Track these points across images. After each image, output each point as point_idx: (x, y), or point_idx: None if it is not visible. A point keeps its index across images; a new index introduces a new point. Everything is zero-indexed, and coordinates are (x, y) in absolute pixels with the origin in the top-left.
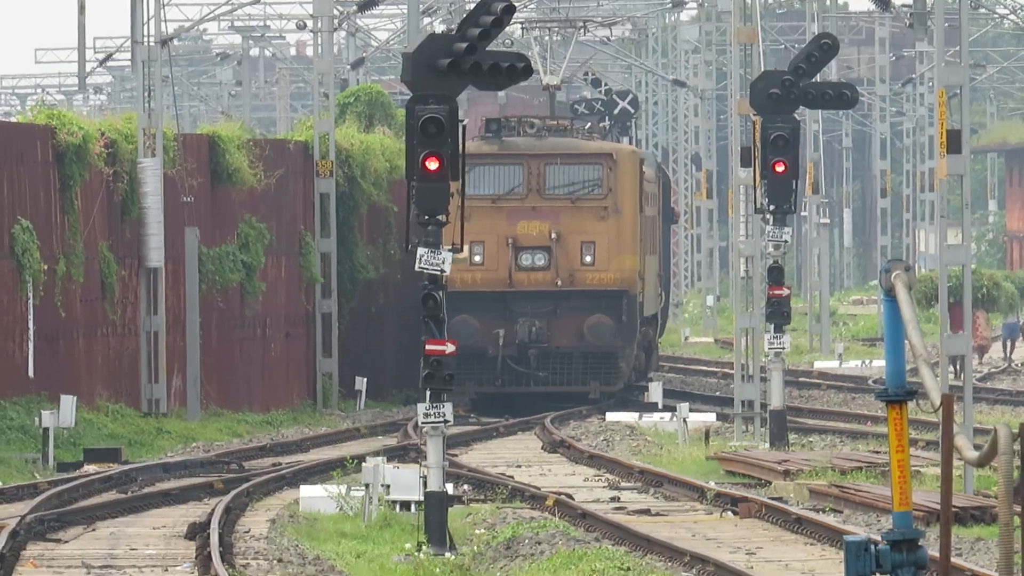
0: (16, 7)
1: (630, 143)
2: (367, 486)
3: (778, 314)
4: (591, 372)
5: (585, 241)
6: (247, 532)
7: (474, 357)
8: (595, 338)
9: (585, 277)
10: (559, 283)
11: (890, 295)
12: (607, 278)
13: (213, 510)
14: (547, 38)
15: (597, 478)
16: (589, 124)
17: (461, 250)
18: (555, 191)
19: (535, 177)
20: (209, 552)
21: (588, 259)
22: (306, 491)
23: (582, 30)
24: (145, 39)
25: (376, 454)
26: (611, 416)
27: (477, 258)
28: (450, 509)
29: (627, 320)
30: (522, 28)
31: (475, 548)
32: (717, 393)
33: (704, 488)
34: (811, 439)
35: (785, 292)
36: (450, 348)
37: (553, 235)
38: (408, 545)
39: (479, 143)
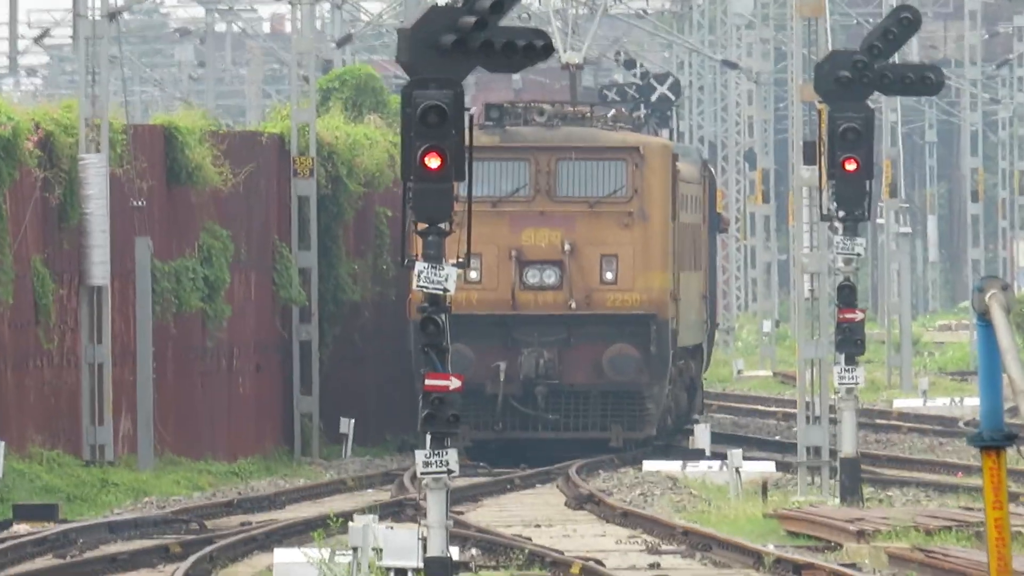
0: None
1: (671, 136)
2: (355, 550)
3: (850, 342)
4: (612, 415)
5: (605, 254)
6: None
7: (470, 395)
8: (617, 373)
9: (605, 298)
10: (573, 305)
11: (984, 319)
12: (631, 299)
13: None
14: (571, 10)
15: (632, 540)
16: (614, 111)
17: (468, 264)
18: (569, 193)
19: (544, 175)
20: None
21: (609, 276)
22: (281, 556)
23: (611, 2)
24: (89, 12)
25: (366, 511)
26: (649, 465)
27: (473, 274)
28: None
29: (656, 351)
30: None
31: None
32: (776, 438)
33: (761, 552)
34: (890, 493)
35: (858, 316)
36: (455, 383)
37: (566, 246)
38: None
39: (477, 134)
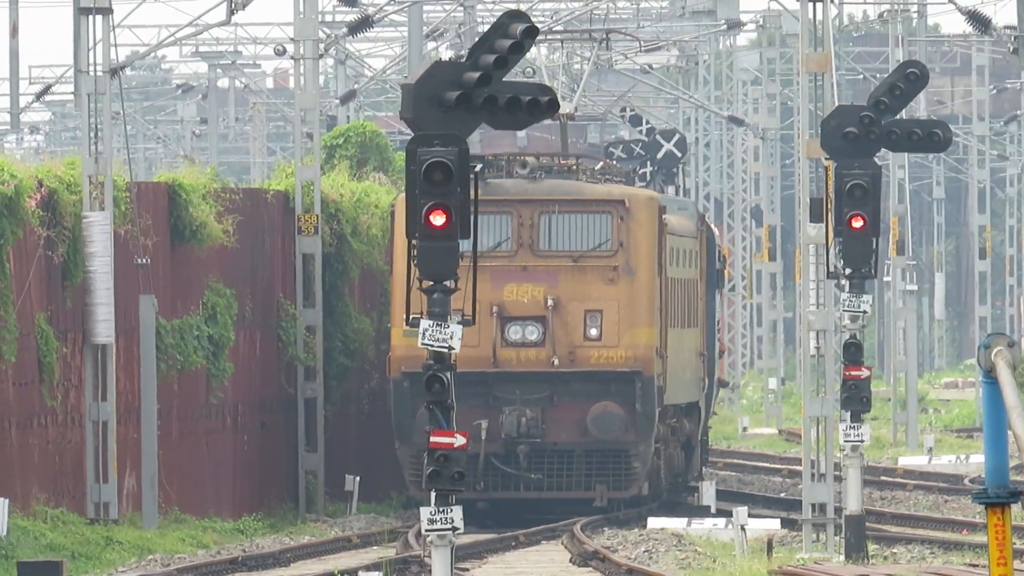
0: None
1: (677, 193)
2: None
3: (856, 400)
4: (597, 474)
5: (589, 310)
6: None
7: None
8: (601, 431)
9: (589, 355)
10: (556, 362)
11: (990, 376)
12: (616, 356)
13: None
14: (575, 66)
15: None
16: (601, 163)
17: (473, 322)
18: (552, 247)
19: (527, 229)
20: None
21: (593, 332)
22: None
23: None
24: (91, 68)
25: (371, 568)
26: (654, 522)
27: None
28: None
29: (642, 409)
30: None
31: None
32: (782, 495)
33: None
34: (895, 550)
35: (864, 373)
36: (459, 441)
37: (549, 302)
38: None
39: None
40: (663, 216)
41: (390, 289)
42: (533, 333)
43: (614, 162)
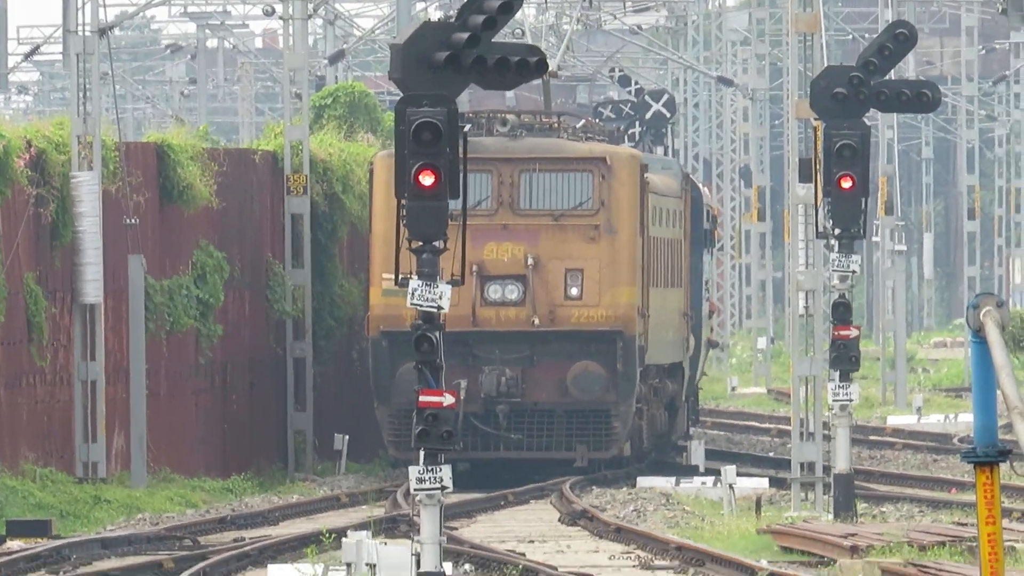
0: None
1: (666, 153)
2: (348, 566)
3: (844, 359)
4: (577, 434)
5: (570, 269)
6: None
7: None
8: (582, 391)
9: (569, 314)
10: (536, 322)
11: (979, 336)
12: (597, 315)
13: None
14: (565, 26)
15: (625, 556)
16: (583, 121)
17: (463, 282)
18: (533, 205)
19: (507, 188)
20: None
21: (574, 291)
22: (275, 572)
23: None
24: (80, 28)
25: (359, 527)
26: (643, 481)
27: None
28: None
29: (623, 368)
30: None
31: None
32: (770, 454)
33: (755, 568)
34: (884, 509)
35: (853, 333)
36: (448, 400)
37: (529, 261)
38: None
39: None
40: (645, 175)
41: (370, 248)
42: (513, 292)
43: (598, 120)
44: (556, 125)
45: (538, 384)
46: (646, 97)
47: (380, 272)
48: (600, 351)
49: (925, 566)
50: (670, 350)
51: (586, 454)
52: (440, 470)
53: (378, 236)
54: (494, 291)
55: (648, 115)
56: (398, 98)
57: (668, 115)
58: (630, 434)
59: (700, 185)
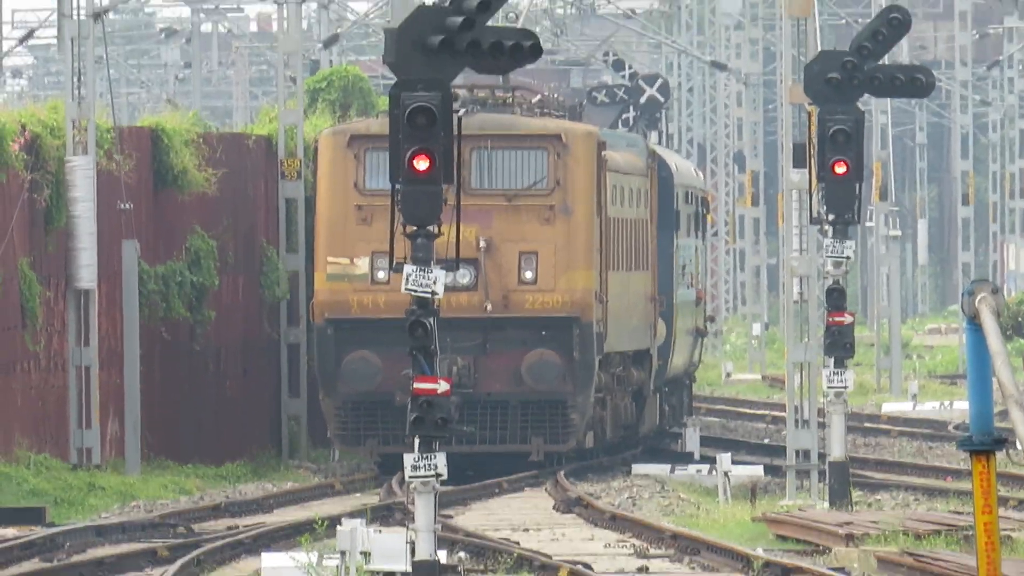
0: None
1: (659, 138)
2: (343, 554)
3: (839, 346)
4: (533, 426)
5: (524, 252)
6: None
7: (376, 406)
8: (537, 381)
9: (524, 300)
10: (489, 308)
11: (974, 323)
12: (553, 301)
13: None
14: (559, 10)
15: (621, 544)
16: (539, 96)
17: (457, 267)
18: (485, 185)
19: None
20: None
21: (528, 275)
22: (269, 560)
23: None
24: (74, 12)
25: (354, 515)
26: (638, 468)
27: (380, 274)
28: None
29: (580, 357)
30: None
31: None
32: (765, 441)
33: (750, 556)
34: (879, 497)
35: (847, 319)
36: (443, 387)
37: (481, 244)
38: None
39: (384, 120)
40: (603, 152)
41: (314, 230)
42: (465, 277)
43: (582, 102)
44: (510, 101)
45: (491, 374)
46: (640, 82)
47: (325, 256)
48: (556, 338)
49: (921, 555)
50: (634, 337)
51: (542, 447)
52: (435, 457)
53: (322, 218)
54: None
55: (642, 100)
56: (392, 82)
57: (662, 100)
58: (591, 425)
59: (696, 169)
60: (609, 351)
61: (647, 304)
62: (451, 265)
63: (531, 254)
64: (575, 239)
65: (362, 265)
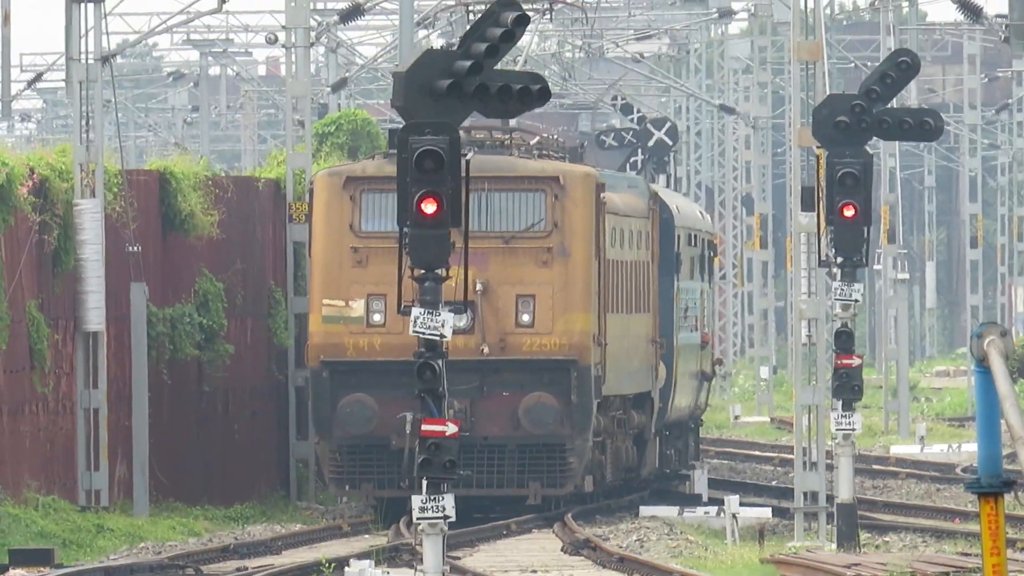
0: None
1: (668, 181)
2: None
3: (847, 388)
4: (530, 470)
5: (522, 295)
6: None
7: (372, 450)
8: (534, 424)
9: (521, 343)
10: (486, 351)
11: (983, 365)
12: (550, 344)
13: None
14: (567, 54)
15: None
16: (538, 137)
17: (465, 310)
18: (482, 227)
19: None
20: None
21: (525, 318)
22: None
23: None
24: (82, 55)
25: (362, 556)
26: (646, 510)
27: (376, 317)
28: None
29: (578, 400)
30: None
31: None
32: (773, 483)
33: None
34: (887, 539)
35: (856, 362)
36: (451, 429)
37: (478, 286)
38: None
39: (379, 162)
40: (602, 194)
41: (309, 272)
42: (461, 319)
43: (558, 138)
44: (508, 142)
45: (488, 417)
46: (648, 125)
47: (320, 298)
48: (553, 381)
49: None
50: (635, 379)
51: (539, 491)
52: (443, 499)
53: (318, 260)
54: None
55: (651, 143)
56: (400, 126)
57: (670, 143)
58: (589, 469)
59: (702, 212)
60: (608, 394)
61: (648, 347)
62: (458, 308)
63: (528, 297)
64: (573, 281)
65: (358, 307)
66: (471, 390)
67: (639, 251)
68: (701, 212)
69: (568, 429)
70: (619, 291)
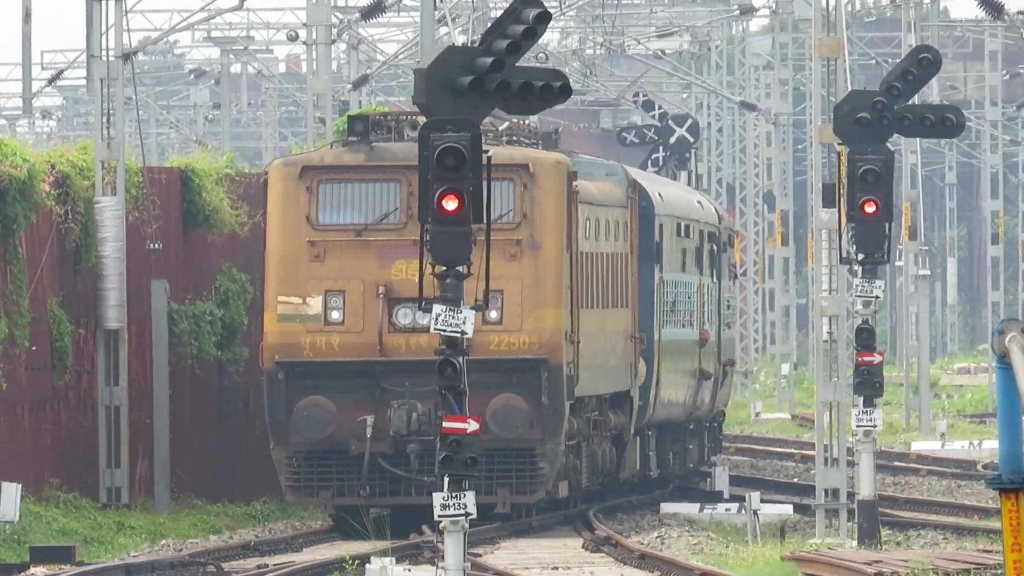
0: None
1: (689, 178)
2: None
3: (868, 385)
4: (499, 476)
5: (490, 290)
6: None
7: (331, 456)
8: (503, 428)
9: (489, 341)
10: None
11: (1004, 362)
12: (520, 342)
13: None
14: (588, 51)
15: None
16: (507, 123)
17: (486, 307)
18: None
19: (417, 199)
20: None
21: (493, 315)
22: None
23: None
24: (103, 53)
25: (383, 554)
26: (667, 507)
27: (335, 314)
28: None
29: (549, 402)
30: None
31: None
32: (795, 480)
33: None
34: (908, 535)
35: (876, 359)
36: (472, 426)
37: None
38: None
39: (338, 151)
40: (574, 183)
41: (264, 267)
42: (425, 317)
43: (531, 124)
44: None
45: None
46: (670, 122)
47: (275, 295)
48: (523, 382)
49: None
50: (612, 378)
51: (508, 498)
52: (464, 496)
53: (273, 255)
54: (403, 315)
55: (672, 140)
56: (422, 123)
57: (692, 140)
58: (563, 474)
59: (720, 209)
60: (582, 394)
61: (626, 343)
62: (479, 306)
63: (496, 292)
64: (543, 276)
65: (315, 305)
66: (435, 392)
67: (616, 242)
68: (702, 203)
69: (539, 432)
70: (594, 285)
